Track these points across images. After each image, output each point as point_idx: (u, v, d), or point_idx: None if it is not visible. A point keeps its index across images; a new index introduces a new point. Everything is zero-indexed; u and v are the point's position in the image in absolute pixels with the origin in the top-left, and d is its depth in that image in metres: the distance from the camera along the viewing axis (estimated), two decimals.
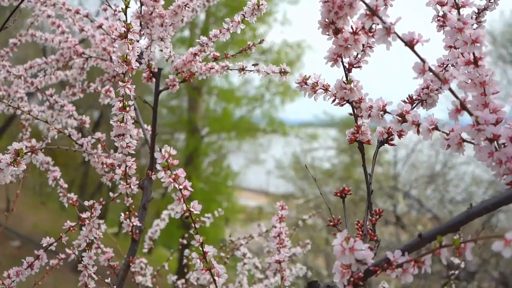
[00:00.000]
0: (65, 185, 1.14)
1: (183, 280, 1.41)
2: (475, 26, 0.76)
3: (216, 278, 0.68)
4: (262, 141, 12.56)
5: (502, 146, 0.55)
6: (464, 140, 0.57)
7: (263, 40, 1.05)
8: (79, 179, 10.20)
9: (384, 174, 8.11)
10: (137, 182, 0.96)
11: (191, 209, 0.66)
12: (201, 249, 0.68)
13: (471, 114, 0.54)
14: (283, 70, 0.89)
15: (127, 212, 1.01)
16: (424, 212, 6.71)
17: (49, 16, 1.25)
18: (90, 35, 1.19)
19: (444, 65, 0.73)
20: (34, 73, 1.33)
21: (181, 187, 0.65)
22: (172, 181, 0.65)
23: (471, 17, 0.61)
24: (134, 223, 1.02)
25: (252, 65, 0.98)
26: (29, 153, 0.68)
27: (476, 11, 0.76)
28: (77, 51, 1.24)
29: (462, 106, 0.54)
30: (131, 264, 1.04)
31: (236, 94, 12.10)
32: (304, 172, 9.12)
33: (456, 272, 1.16)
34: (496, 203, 0.52)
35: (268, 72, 0.93)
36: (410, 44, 0.53)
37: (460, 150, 0.58)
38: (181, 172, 0.66)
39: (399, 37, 0.53)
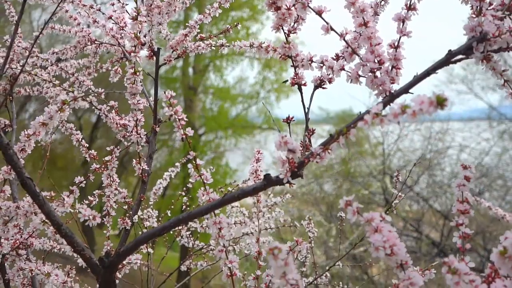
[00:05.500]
0: (87, 144, 1.45)
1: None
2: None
3: (205, 181, 0.98)
4: (259, 138, 12.86)
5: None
6: (359, 75, 0.88)
7: (238, 23, 1.35)
8: None
9: (377, 165, 8.45)
10: (145, 133, 1.27)
11: (187, 132, 0.97)
12: (194, 162, 0.99)
13: (358, 56, 0.85)
14: (251, 44, 1.20)
15: (137, 159, 1.32)
16: (413, 196, 7.05)
17: (67, 11, 1.56)
18: (101, 25, 1.49)
19: None
20: (57, 59, 1.64)
21: (179, 117, 0.96)
22: (173, 113, 0.96)
23: None
24: (144, 167, 1.32)
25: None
26: (72, 101, 0.99)
27: None
28: (90, 39, 1.54)
29: (353, 52, 0.85)
30: (142, 199, 1.35)
31: (232, 92, 12.41)
32: None
33: (397, 201, 1.47)
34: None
35: (241, 46, 1.24)
36: (319, 13, 0.84)
37: (357, 82, 0.89)
38: (179, 108, 0.97)
39: (311, 8, 0.84)
